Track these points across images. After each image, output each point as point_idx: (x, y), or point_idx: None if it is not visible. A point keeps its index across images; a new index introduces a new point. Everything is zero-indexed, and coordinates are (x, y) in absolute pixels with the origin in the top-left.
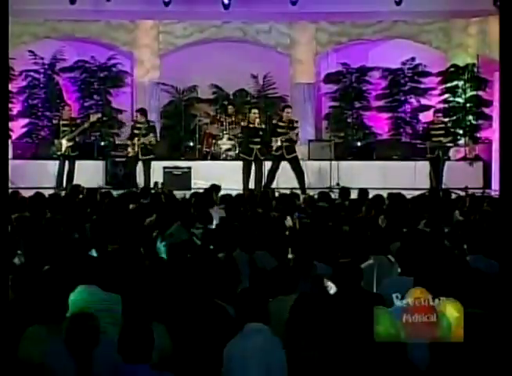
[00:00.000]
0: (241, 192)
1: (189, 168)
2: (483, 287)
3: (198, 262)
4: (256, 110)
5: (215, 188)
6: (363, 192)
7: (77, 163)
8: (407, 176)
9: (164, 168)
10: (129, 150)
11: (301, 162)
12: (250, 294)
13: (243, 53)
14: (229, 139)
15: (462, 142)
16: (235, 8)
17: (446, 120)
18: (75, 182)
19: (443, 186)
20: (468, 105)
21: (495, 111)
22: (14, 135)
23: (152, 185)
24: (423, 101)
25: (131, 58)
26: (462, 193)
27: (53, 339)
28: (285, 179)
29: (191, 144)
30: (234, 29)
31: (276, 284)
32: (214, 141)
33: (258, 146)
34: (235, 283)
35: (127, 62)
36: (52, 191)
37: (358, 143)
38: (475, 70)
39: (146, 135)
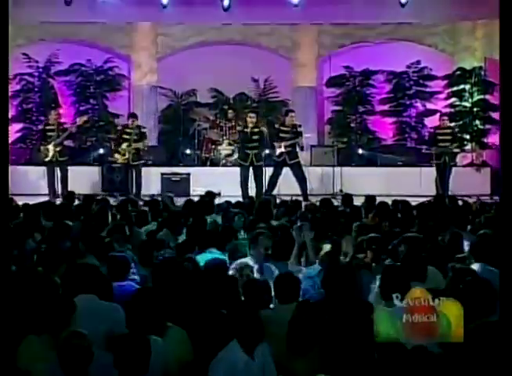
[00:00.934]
0: (241, 199)
1: (188, 174)
2: (490, 296)
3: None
4: (253, 114)
5: (211, 195)
6: (370, 199)
7: (73, 169)
8: (412, 183)
9: (162, 174)
10: (117, 156)
11: (303, 168)
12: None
13: (243, 56)
14: (229, 144)
15: (469, 147)
16: (235, 9)
17: (452, 125)
18: (70, 188)
19: (449, 193)
20: (475, 109)
21: None
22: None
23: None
24: (429, 105)
25: (129, 61)
26: (470, 200)
27: (47, 354)
28: (287, 186)
29: (190, 150)
30: (234, 31)
31: (277, 293)
32: (213, 146)
33: (255, 152)
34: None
35: (124, 65)
36: (47, 198)
37: (362, 149)
38: (482, 73)
39: (138, 141)
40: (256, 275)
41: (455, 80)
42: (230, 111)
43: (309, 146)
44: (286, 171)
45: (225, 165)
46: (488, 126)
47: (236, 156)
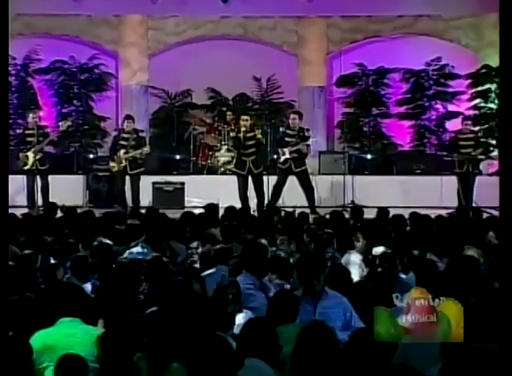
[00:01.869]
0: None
1: (182, 183)
2: None
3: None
4: (246, 117)
5: (212, 208)
6: (383, 212)
7: (55, 178)
8: (432, 193)
9: (154, 183)
10: (112, 164)
11: (311, 177)
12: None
13: (243, 53)
14: (228, 150)
15: (495, 154)
16: (234, 1)
17: (477, 129)
18: (52, 199)
19: (473, 205)
20: None
21: None
22: None
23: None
24: (451, 107)
25: (116, 58)
26: (496, 212)
27: None
28: (292, 196)
29: (184, 156)
30: (234, 25)
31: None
32: (210, 153)
33: (252, 158)
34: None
35: (111, 62)
36: (26, 210)
37: (376, 156)
38: None
39: (137, 147)
40: (254, 291)
41: (479, 79)
42: (229, 113)
43: (317, 153)
44: (292, 180)
45: (223, 173)
46: None
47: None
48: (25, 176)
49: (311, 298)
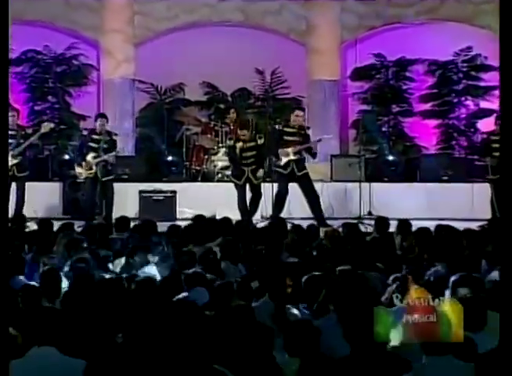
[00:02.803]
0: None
1: (174, 192)
2: None
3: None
4: (245, 131)
5: (200, 220)
6: (404, 224)
7: (27, 185)
8: (461, 203)
9: (141, 192)
10: (79, 170)
11: (322, 184)
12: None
13: (244, 41)
14: (226, 153)
15: None
16: None
17: None
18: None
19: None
20: None
21: None
22: None
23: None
24: (483, 104)
25: (97, 47)
26: None
27: None
28: (300, 206)
29: (176, 161)
30: (233, 9)
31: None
32: (206, 156)
33: (252, 167)
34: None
35: (91, 52)
36: None
37: (397, 160)
38: None
39: (108, 151)
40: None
41: None
42: (232, 111)
43: (329, 156)
44: (293, 186)
45: (221, 180)
46: None
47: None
48: None
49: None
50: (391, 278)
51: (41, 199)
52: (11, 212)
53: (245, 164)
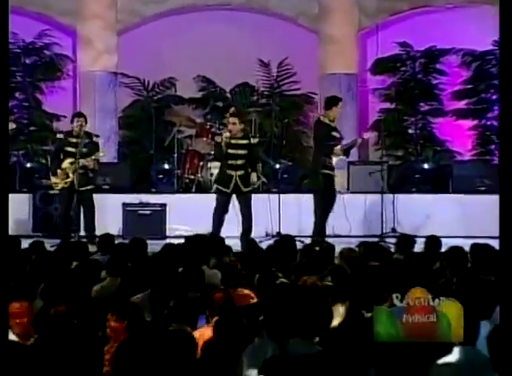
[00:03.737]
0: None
1: (163, 205)
2: None
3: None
4: (235, 119)
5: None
6: (433, 242)
7: None
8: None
9: (125, 205)
10: (55, 179)
11: (338, 196)
12: None
13: (246, 28)
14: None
15: None
16: None
17: None
18: None
19: None
20: None
21: None
22: None
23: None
24: None
25: (74, 35)
26: None
27: None
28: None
29: (166, 168)
30: None
31: None
32: (201, 163)
33: (240, 173)
34: None
35: (66, 41)
36: None
37: (426, 167)
38: None
39: (88, 155)
40: None
41: None
42: (232, 111)
43: (346, 164)
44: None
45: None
46: None
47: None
48: None
49: None
50: None
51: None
52: None
53: (232, 167)
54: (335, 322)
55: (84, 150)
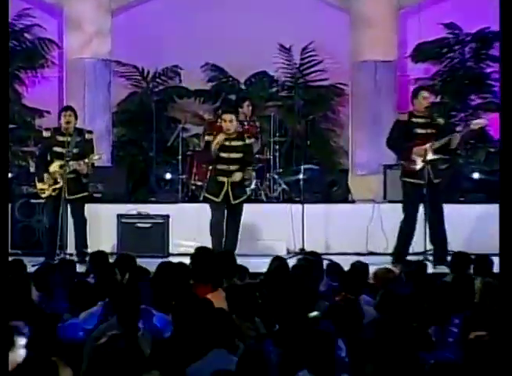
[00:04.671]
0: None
1: (166, 216)
2: None
3: None
4: (231, 116)
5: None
6: (485, 262)
7: None
8: None
9: (120, 216)
10: (41, 186)
11: (373, 206)
12: None
13: (264, 8)
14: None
15: None
16: None
17: None
18: None
19: None
20: None
21: None
22: None
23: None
24: None
25: (60, 16)
26: None
27: None
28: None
29: (169, 173)
30: None
31: None
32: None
33: (235, 179)
34: None
35: (51, 23)
36: None
37: (478, 172)
38: None
39: (79, 156)
40: None
41: None
42: (246, 104)
43: (381, 167)
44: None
45: None
46: None
47: (253, 183)
48: None
49: None
50: None
51: None
52: None
53: (224, 172)
54: None
55: (75, 150)
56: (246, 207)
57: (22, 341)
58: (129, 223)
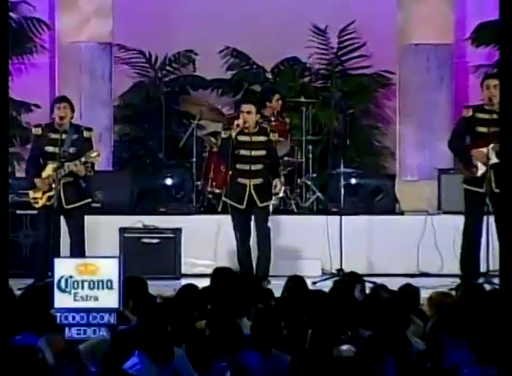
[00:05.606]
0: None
1: (177, 230)
2: None
3: None
4: (250, 106)
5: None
6: None
7: None
8: None
9: (123, 230)
10: (34, 194)
11: (425, 218)
12: None
13: None
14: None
15: None
16: None
17: None
18: None
19: None
20: None
21: None
22: None
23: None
24: None
25: None
26: None
27: None
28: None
29: (181, 179)
30: None
31: None
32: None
33: (256, 181)
34: None
35: (41, 2)
36: None
37: None
38: None
39: (76, 156)
40: None
41: None
42: (276, 98)
43: (436, 171)
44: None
45: None
46: None
47: (281, 190)
48: None
49: None
50: None
51: None
52: None
53: (245, 173)
54: None
55: (72, 149)
56: (272, 219)
57: None
58: (134, 238)
